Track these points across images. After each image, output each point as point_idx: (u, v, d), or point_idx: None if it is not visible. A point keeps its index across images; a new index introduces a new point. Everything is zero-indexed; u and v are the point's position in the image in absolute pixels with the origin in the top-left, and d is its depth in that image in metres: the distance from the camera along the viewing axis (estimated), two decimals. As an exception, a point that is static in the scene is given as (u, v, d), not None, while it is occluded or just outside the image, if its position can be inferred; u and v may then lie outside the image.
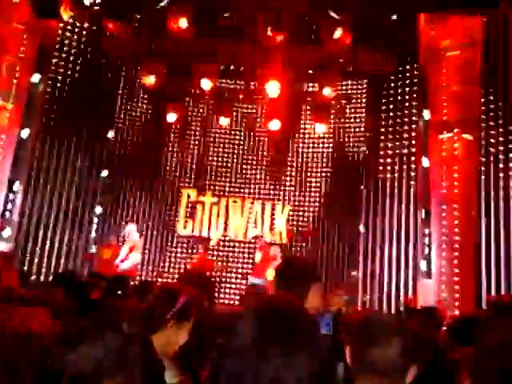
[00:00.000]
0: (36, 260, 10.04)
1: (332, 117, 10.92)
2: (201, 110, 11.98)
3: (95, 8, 8.00)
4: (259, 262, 9.84)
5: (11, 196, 9.35)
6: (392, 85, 10.09)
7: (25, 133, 9.35)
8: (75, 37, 9.82)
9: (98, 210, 11.12)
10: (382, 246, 10.19)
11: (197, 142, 12.12)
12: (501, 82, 8.99)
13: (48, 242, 10.15)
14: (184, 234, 11.82)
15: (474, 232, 8.78)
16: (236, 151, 12.14)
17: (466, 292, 8.55)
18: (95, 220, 11.05)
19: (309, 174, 11.79)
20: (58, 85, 9.92)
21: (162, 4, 7.56)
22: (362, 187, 10.68)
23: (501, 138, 9.00)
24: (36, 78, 9.27)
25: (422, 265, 9.41)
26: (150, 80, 9.29)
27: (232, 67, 9.98)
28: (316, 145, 11.79)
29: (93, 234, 10.88)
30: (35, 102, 9.36)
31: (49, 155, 10.12)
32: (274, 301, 1.29)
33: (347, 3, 7.45)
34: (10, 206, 9.45)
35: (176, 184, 11.98)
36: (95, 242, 10.84)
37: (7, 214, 9.36)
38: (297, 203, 11.75)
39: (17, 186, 9.37)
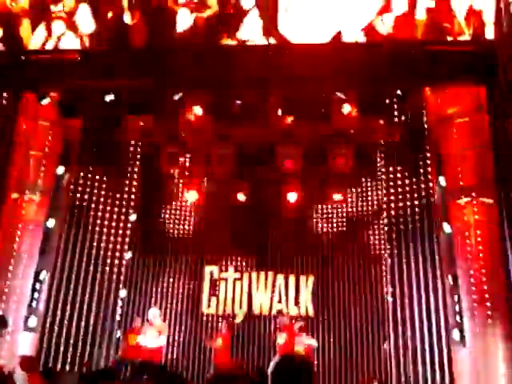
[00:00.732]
0: (61, 349, 10.01)
1: (349, 187, 11.08)
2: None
3: (113, 103, 8.54)
4: (284, 342, 9.54)
5: (38, 285, 9.51)
6: (405, 153, 10.25)
7: (51, 223, 9.67)
8: (96, 130, 10.47)
9: (123, 293, 11.20)
10: (412, 316, 9.89)
11: (216, 219, 12.32)
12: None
13: (73, 329, 10.17)
14: (208, 312, 11.72)
15: (506, 295, 8.51)
16: (256, 225, 12.24)
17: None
18: (120, 303, 11.09)
19: (331, 244, 11.76)
20: (82, 174, 10.42)
21: (177, 97, 8.04)
22: (387, 256, 10.57)
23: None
24: (61, 170, 9.73)
25: (455, 334, 9.07)
26: (170, 165, 9.66)
27: (247, 148, 10.35)
28: (334, 214, 11.86)
29: (117, 318, 10.86)
30: (60, 193, 9.76)
31: (74, 243, 10.39)
32: None
33: (352, 83, 7.79)
34: (36, 295, 9.60)
35: (198, 262, 12.05)
36: (120, 327, 10.82)
37: (33, 303, 9.48)
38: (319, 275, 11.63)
39: (43, 276, 9.55)
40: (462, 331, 8.87)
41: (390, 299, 10.41)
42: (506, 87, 7.19)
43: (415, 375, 9.55)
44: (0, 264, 8.79)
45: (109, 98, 8.24)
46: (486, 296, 8.52)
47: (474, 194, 8.60)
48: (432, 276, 9.78)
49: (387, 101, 9.55)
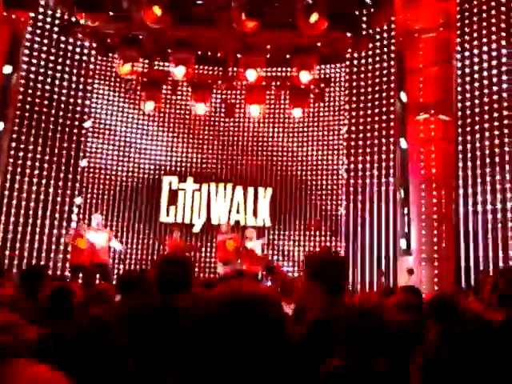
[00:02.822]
0: (17, 252, 9.95)
1: (312, 101, 10.94)
2: (179, 97, 11.90)
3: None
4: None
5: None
6: (370, 68, 10.14)
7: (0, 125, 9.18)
8: (47, 27, 9.65)
9: (78, 200, 11.06)
10: (364, 226, 10.37)
11: (176, 130, 12.05)
12: (475, 62, 9.13)
13: (28, 235, 10.08)
14: (167, 221, 11.84)
15: (453, 210, 9.00)
16: (216, 137, 12.10)
17: (445, 268, 8.79)
18: (75, 211, 10.98)
19: (290, 158, 11.86)
20: (31, 76, 9.76)
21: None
22: (343, 170, 10.81)
23: (476, 118, 9.17)
24: (8, 69, 9.04)
25: (402, 243, 9.64)
26: (126, 68, 9.12)
27: (209, 53, 9.89)
28: (296, 129, 11.85)
29: (73, 226, 10.78)
30: (8, 93, 9.15)
31: (25, 147, 9.99)
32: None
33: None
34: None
35: (157, 172, 11.93)
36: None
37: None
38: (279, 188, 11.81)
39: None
40: (408, 240, 9.45)
41: (343, 211, 10.82)
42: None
43: (362, 282, 10.22)
44: None
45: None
46: (435, 209, 8.98)
47: (432, 111, 8.72)
48: (385, 189, 10.17)
49: (356, 12, 9.25)
